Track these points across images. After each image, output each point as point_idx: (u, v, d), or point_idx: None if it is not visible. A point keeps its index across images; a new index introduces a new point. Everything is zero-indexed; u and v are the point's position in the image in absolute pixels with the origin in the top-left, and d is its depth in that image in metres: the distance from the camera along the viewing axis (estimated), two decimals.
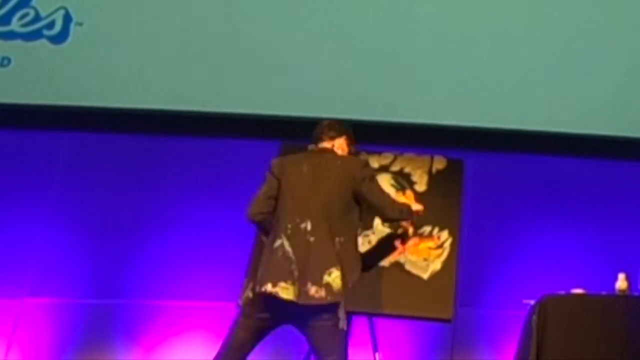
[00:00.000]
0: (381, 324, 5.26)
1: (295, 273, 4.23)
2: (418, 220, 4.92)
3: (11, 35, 6.34)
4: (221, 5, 6.38)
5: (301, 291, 4.20)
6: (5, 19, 6.35)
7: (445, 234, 5.15)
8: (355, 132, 5.95)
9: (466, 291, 5.42)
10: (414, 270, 5.08)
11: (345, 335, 4.38)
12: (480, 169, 5.85)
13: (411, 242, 5.09)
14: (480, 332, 5.95)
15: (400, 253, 5.00)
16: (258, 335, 4.33)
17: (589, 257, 6.01)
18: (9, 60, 6.29)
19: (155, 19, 6.36)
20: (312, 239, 4.29)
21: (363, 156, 5.04)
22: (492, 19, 6.33)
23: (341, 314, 4.31)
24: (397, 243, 4.96)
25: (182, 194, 6.20)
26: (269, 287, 4.21)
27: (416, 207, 4.76)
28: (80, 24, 6.33)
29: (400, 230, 4.90)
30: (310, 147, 4.65)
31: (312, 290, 4.20)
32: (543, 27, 6.30)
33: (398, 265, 5.08)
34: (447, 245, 5.13)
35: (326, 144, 4.61)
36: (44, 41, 6.34)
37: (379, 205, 4.51)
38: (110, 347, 5.91)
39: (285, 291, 4.19)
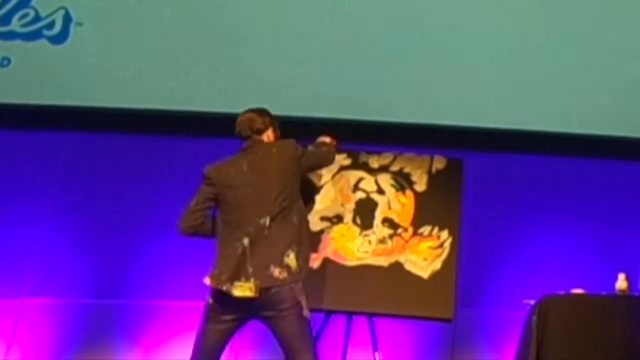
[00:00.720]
0: (381, 324, 5.26)
1: (250, 270, 4.31)
2: (418, 221, 4.96)
3: (11, 35, 6.34)
4: (221, 5, 6.37)
5: (254, 286, 4.26)
6: (5, 19, 6.34)
7: (445, 234, 5.16)
8: (355, 132, 5.99)
9: (466, 291, 5.43)
10: (414, 270, 5.08)
11: (310, 325, 4.42)
12: (480, 169, 5.84)
13: (411, 242, 5.10)
14: (480, 332, 5.95)
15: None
16: (225, 336, 4.42)
17: (589, 257, 6.01)
18: (9, 60, 6.29)
19: (155, 19, 6.35)
20: (267, 232, 4.37)
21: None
22: (492, 19, 6.32)
23: (303, 300, 4.36)
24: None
25: (182, 194, 6.15)
26: (227, 287, 4.30)
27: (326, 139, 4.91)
28: (80, 24, 6.32)
29: None
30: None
31: (276, 272, 4.32)
32: (543, 27, 6.29)
33: (398, 265, 5.08)
34: (447, 245, 5.14)
35: (256, 138, 4.62)
36: (44, 41, 6.33)
37: (320, 162, 4.80)
38: (110, 347, 5.91)
39: (240, 289, 4.29)
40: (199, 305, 5.88)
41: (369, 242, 5.11)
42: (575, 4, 6.35)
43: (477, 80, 6.24)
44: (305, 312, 4.36)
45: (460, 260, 5.19)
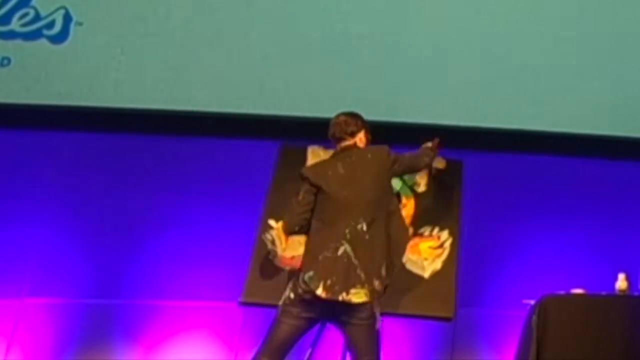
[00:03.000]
0: (381, 323, 5.25)
1: (362, 276, 4.38)
2: (419, 221, 4.97)
3: (11, 35, 6.34)
4: (221, 5, 6.38)
5: (369, 291, 4.36)
6: (5, 19, 6.35)
7: (445, 234, 5.16)
8: None
9: (466, 291, 5.43)
10: (414, 270, 5.09)
11: (380, 336, 4.51)
12: (480, 169, 5.84)
13: (412, 242, 5.09)
14: (480, 332, 5.95)
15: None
16: (300, 333, 4.46)
17: (589, 257, 6.00)
18: (9, 60, 6.29)
19: (155, 19, 6.36)
20: (367, 237, 4.44)
21: None
22: (492, 19, 6.33)
23: (378, 313, 4.46)
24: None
25: (182, 194, 6.19)
26: (343, 296, 4.35)
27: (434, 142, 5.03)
28: (80, 24, 6.33)
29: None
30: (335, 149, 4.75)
31: (376, 284, 4.40)
32: (543, 27, 6.30)
33: None
34: (447, 245, 5.14)
35: (348, 142, 4.70)
36: (44, 41, 6.33)
37: (412, 166, 4.89)
38: (110, 347, 5.91)
39: (357, 295, 4.36)
40: (199, 305, 5.91)
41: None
42: (575, 3, 6.36)
43: (477, 80, 6.25)
44: (378, 325, 4.45)
45: (461, 260, 5.19)
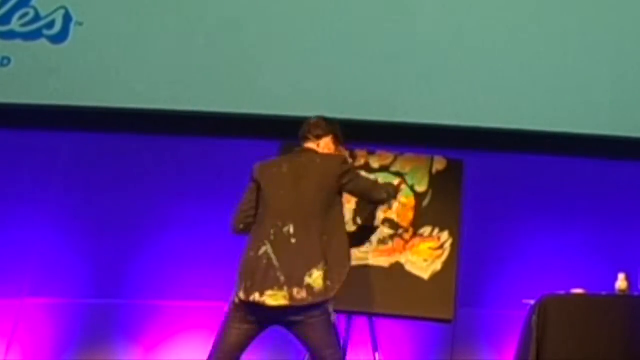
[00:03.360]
0: (381, 324, 5.26)
1: (282, 279, 4.24)
2: (419, 221, 4.96)
3: (11, 35, 6.34)
4: (221, 5, 6.38)
5: (288, 294, 4.21)
6: (5, 19, 6.34)
7: (445, 235, 5.15)
8: (355, 132, 5.95)
9: (466, 291, 5.42)
10: (414, 271, 5.08)
11: (337, 330, 4.38)
12: (480, 169, 5.84)
13: (412, 243, 5.09)
14: (480, 332, 5.95)
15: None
16: (248, 337, 4.34)
17: (589, 257, 6.01)
18: (9, 60, 6.29)
19: (155, 19, 6.35)
20: (294, 240, 4.31)
21: (346, 153, 5.04)
22: (492, 19, 6.33)
23: (330, 309, 4.32)
24: (380, 211, 5.04)
25: (182, 194, 6.19)
26: (257, 297, 4.22)
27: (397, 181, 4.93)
28: (80, 24, 6.32)
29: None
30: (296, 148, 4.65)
31: (295, 292, 4.22)
32: (543, 27, 6.30)
33: (398, 266, 5.08)
34: (447, 246, 5.14)
35: (311, 144, 4.60)
36: (44, 41, 6.33)
37: (365, 191, 4.64)
38: (110, 347, 5.91)
39: (273, 298, 4.21)
40: (199, 305, 5.92)
41: (370, 242, 5.11)
42: (575, 3, 6.35)
43: (477, 80, 6.24)
44: (333, 318, 4.33)
45: (461, 260, 5.19)
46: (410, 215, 5.18)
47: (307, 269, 4.26)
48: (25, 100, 6.25)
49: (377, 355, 5.08)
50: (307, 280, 4.24)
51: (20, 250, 6.03)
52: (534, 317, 5.01)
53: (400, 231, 5.13)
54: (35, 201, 6.13)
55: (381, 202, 4.82)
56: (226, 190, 6.10)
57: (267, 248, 4.31)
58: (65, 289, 6.00)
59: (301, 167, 4.46)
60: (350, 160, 4.88)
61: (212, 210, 6.09)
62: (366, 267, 5.10)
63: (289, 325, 4.31)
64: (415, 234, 5.14)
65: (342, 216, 4.49)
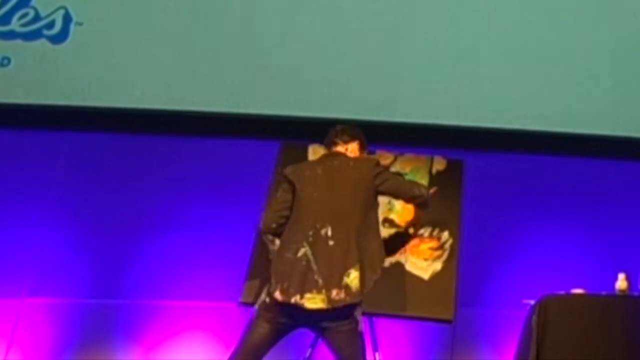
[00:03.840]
0: (381, 324, 5.26)
1: (320, 282, 4.27)
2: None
3: (11, 35, 6.34)
4: (221, 5, 6.37)
5: (326, 297, 4.24)
6: (5, 19, 6.34)
7: (445, 235, 5.15)
8: None
9: (466, 291, 5.42)
10: (414, 271, 5.08)
11: (363, 337, 4.43)
12: (480, 169, 5.85)
13: (412, 243, 5.09)
14: (480, 332, 5.95)
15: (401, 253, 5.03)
16: (275, 337, 4.36)
17: (589, 257, 6.01)
18: (9, 60, 6.29)
19: (155, 19, 6.36)
20: (332, 242, 4.34)
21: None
22: (492, 19, 6.33)
23: (359, 316, 4.36)
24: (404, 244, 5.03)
25: (182, 194, 6.19)
26: (297, 299, 4.25)
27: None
28: (80, 24, 6.33)
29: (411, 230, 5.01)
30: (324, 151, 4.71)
31: (334, 293, 4.25)
32: (543, 27, 6.30)
33: (399, 266, 5.08)
34: (447, 246, 5.14)
35: (339, 148, 4.66)
36: (43, 41, 6.33)
37: (402, 188, 4.63)
38: (110, 347, 5.91)
39: (312, 301, 4.24)
40: (199, 305, 5.92)
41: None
42: (576, 4, 6.36)
43: (477, 80, 6.25)
44: (360, 326, 4.36)
45: (461, 260, 5.18)
46: (410, 215, 5.18)
47: (345, 269, 4.29)
48: (25, 100, 6.25)
49: (377, 355, 5.08)
50: (346, 280, 4.29)
51: (20, 250, 6.02)
52: (534, 317, 5.00)
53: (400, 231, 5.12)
54: (35, 201, 6.13)
55: (420, 198, 4.68)
56: (226, 190, 6.13)
57: (306, 250, 4.34)
58: (65, 289, 5.99)
59: (335, 170, 4.50)
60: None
61: (212, 210, 6.10)
62: None
63: (320, 330, 4.35)
64: (415, 234, 5.14)
65: (377, 218, 4.54)
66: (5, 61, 6.28)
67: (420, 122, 6.23)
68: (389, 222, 5.16)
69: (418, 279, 5.05)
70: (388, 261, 5.07)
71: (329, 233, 4.35)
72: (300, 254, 4.33)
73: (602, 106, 6.24)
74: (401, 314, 5.05)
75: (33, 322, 5.91)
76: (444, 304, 4.96)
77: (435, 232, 5.16)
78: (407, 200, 4.70)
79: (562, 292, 5.19)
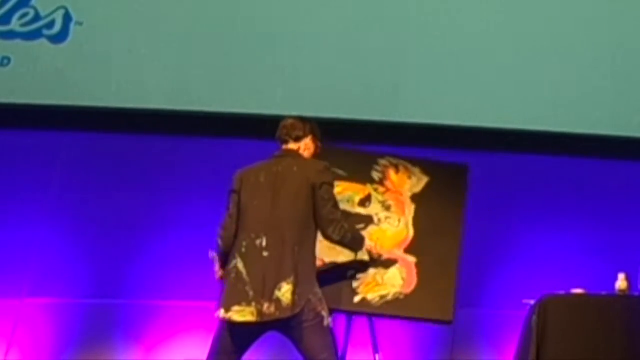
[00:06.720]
0: (381, 324, 5.26)
1: (251, 293, 4.14)
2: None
3: (11, 35, 6.33)
4: (221, 5, 6.37)
5: (256, 310, 4.12)
6: (5, 19, 6.34)
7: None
8: (355, 132, 5.97)
9: (466, 291, 5.42)
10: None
11: (333, 333, 4.32)
12: (480, 169, 5.83)
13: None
14: (480, 332, 5.96)
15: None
16: (242, 345, 4.28)
17: (589, 257, 6.01)
18: (9, 60, 6.28)
19: (155, 19, 6.35)
20: (266, 253, 4.21)
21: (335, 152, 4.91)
22: (492, 19, 6.33)
23: (324, 312, 4.24)
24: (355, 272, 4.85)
25: (182, 194, 6.19)
26: (221, 313, 4.17)
27: (369, 245, 4.66)
28: (80, 24, 6.32)
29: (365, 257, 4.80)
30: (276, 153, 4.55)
31: (265, 307, 4.13)
32: (544, 27, 6.30)
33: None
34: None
35: (292, 146, 4.50)
36: (43, 41, 6.32)
37: (323, 219, 4.33)
38: (110, 347, 5.91)
39: (241, 314, 4.13)
40: (199, 305, 5.91)
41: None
42: (576, 4, 6.36)
43: (478, 80, 6.25)
44: (327, 321, 4.24)
45: (461, 261, 5.18)
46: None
47: (277, 282, 4.14)
48: (25, 100, 6.25)
49: (377, 355, 5.08)
50: (277, 293, 4.14)
51: (20, 250, 6.02)
52: (534, 317, 5.00)
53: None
54: (35, 201, 6.13)
55: (330, 241, 4.45)
56: (226, 190, 6.12)
57: (236, 262, 4.22)
58: (65, 289, 6.00)
59: (279, 177, 4.34)
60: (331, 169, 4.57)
61: (212, 210, 6.06)
62: None
63: (283, 332, 4.25)
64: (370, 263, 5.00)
65: (316, 227, 4.35)
66: (5, 61, 6.28)
67: (420, 122, 6.23)
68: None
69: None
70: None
71: (264, 244, 4.21)
72: (231, 265, 4.24)
73: (602, 106, 6.24)
74: (400, 315, 5.05)
75: (33, 322, 5.92)
76: (443, 305, 4.96)
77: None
78: (321, 232, 4.40)
79: (562, 292, 5.19)
